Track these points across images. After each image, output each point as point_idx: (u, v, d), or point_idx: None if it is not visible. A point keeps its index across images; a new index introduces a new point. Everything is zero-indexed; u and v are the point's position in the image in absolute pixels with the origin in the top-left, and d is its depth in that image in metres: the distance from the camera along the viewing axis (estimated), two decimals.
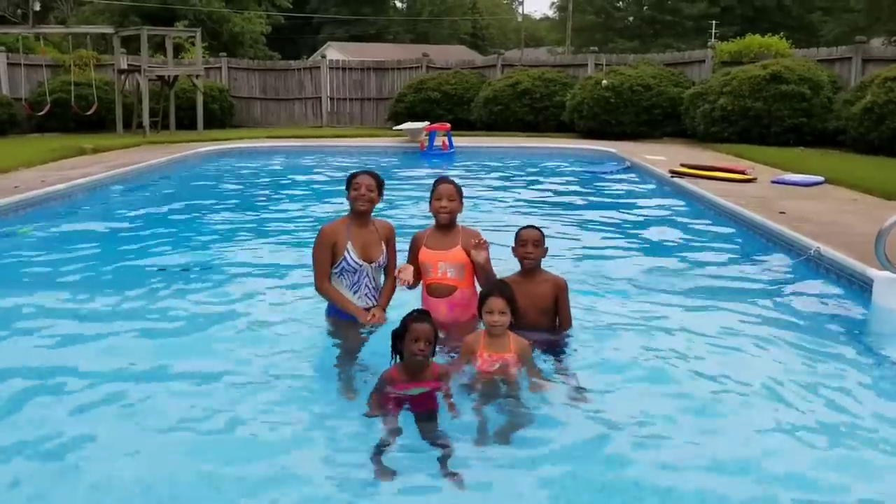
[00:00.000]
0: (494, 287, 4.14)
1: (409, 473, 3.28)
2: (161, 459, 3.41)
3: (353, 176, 4.77)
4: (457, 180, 4.85)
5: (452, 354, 4.33)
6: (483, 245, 4.55)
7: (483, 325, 4.12)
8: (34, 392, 4.12)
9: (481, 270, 4.59)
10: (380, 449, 3.42)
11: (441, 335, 4.43)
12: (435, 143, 16.73)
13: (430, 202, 4.77)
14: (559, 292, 4.59)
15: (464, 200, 4.80)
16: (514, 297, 4.10)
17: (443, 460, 3.33)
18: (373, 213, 4.86)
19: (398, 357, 3.85)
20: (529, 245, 4.52)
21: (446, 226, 4.72)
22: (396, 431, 3.58)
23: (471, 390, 3.92)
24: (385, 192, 4.87)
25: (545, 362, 4.36)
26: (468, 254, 4.62)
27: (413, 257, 4.80)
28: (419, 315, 3.83)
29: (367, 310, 4.76)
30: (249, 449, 3.52)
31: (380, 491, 3.18)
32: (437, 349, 3.93)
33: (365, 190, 4.69)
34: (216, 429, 3.71)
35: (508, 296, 4.05)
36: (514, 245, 4.61)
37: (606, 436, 3.62)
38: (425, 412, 3.71)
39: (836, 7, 39.98)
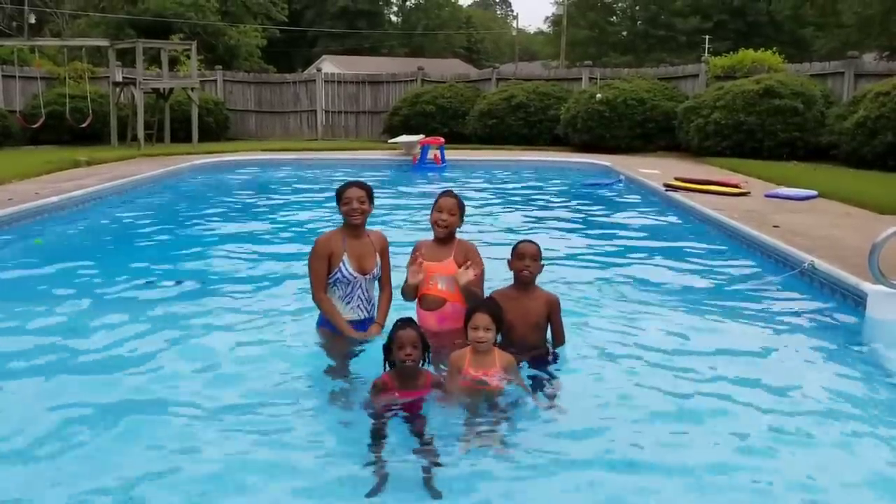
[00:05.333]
0: (481, 303, 4.13)
1: (402, 480, 3.29)
2: (153, 469, 3.39)
3: (343, 189, 4.74)
4: None
5: (441, 365, 4.32)
6: (470, 268, 4.48)
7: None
8: (25, 403, 4.11)
9: (464, 291, 4.53)
10: (373, 456, 3.45)
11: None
12: (427, 157, 16.78)
13: (431, 214, 4.76)
14: (552, 309, 4.58)
15: (464, 216, 4.78)
16: (501, 313, 4.09)
17: (427, 470, 3.35)
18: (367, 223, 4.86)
19: (391, 368, 3.91)
20: (528, 259, 4.50)
21: (443, 239, 4.72)
22: (388, 440, 3.59)
23: (458, 405, 3.91)
24: (376, 202, 4.87)
25: (535, 378, 4.33)
26: (460, 267, 4.61)
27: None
28: (403, 323, 3.91)
29: (361, 322, 4.77)
30: (242, 457, 3.51)
31: (372, 499, 3.18)
32: (428, 356, 3.95)
33: (357, 203, 4.69)
34: (207, 439, 3.70)
35: (494, 312, 4.03)
36: (510, 258, 4.60)
37: (587, 455, 3.60)
38: (416, 420, 3.74)
39: (829, 23, 40.28)
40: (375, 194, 4.86)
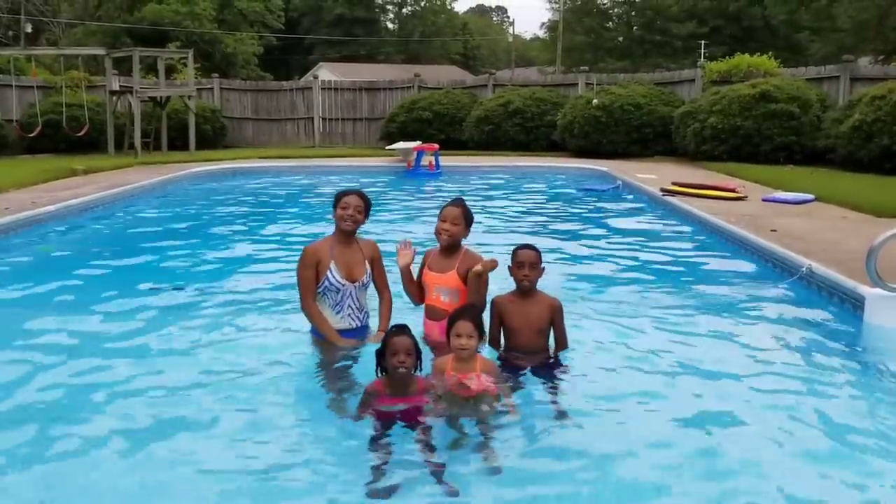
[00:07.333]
0: (462, 311, 4.13)
1: (401, 489, 3.28)
2: (150, 480, 3.37)
3: (342, 195, 4.77)
4: (442, 198, 4.85)
5: None
6: (485, 267, 4.49)
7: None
8: (22, 408, 4.09)
9: (473, 287, 4.53)
10: (374, 467, 3.42)
11: (433, 355, 4.44)
12: (422, 163, 16.82)
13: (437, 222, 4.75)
14: (554, 313, 4.59)
15: (471, 227, 4.75)
16: (482, 321, 4.11)
17: (436, 475, 3.34)
18: (359, 233, 4.87)
19: (383, 374, 3.90)
20: (527, 266, 4.50)
21: (448, 249, 4.71)
22: (387, 447, 3.58)
23: (442, 409, 3.91)
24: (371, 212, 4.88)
25: (538, 383, 4.35)
26: (463, 280, 4.60)
27: (419, 274, 4.82)
28: (398, 329, 3.89)
29: (353, 330, 4.76)
30: (236, 464, 3.50)
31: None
32: (420, 363, 3.93)
33: (353, 210, 4.70)
34: (201, 446, 3.69)
35: (476, 320, 4.05)
36: (510, 265, 4.60)
37: (590, 459, 3.59)
38: (413, 427, 3.73)
39: (824, 27, 40.35)
40: (371, 200, 4.87)
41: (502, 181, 15.58)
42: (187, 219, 11.28)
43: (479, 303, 4.49)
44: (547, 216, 11.13)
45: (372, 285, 4.93)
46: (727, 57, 21.24)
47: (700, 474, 3.47)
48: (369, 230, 6.66)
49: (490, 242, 8.17)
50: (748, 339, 5.31)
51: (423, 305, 4.84)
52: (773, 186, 12.48)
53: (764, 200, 11.14)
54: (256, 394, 4.30)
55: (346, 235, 4.76)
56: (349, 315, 4.78)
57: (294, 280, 4.83)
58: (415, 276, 4.82)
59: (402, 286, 4.85)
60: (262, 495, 3.28)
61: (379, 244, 5.08)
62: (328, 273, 4.67)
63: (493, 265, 4.51)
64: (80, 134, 19.59)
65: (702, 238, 9.19)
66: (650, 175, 14.43)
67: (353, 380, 4.35)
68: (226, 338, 5.32)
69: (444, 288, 4.65)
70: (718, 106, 17.07)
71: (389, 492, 3.24)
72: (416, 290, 4.81)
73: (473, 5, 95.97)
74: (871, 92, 15.13)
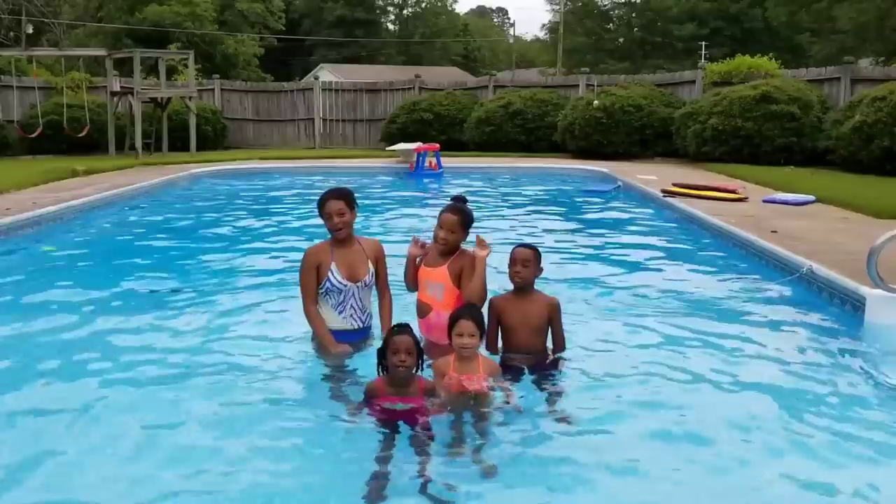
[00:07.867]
0: (464, 309, 4.13)
1: (396, 486, 3.28)
2: (146, 481, 3.37)
3: (322, 203, 4.71)
4: (445, 199, 4.84)
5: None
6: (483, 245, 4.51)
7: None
8: (21, 414, 4.09)
9: (471, 270, 4.50)
10: (373, 466, 3.42)
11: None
12: (424, 164, 16.84)
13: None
14: (552, 312, 4.58)
15: (469, 229, 4.72)
16: (482, 319, 4.11)
17: (424, 480, 3.33)
18: (363, 234, 4.86)
19: (384, 372, 3.90)
20: (518, 263, 4.51)
21: (445, 253, 4.71)
22: (385, 448, 3.58)
23: (445, 411, 3.90)
24: (374, 209, 4.86)
25: (535, 383, 4.35)
26: (454, 277, 4.57)
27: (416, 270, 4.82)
28: (399, 328, 3.89)
29: (355, 331, 4.76)
30: (238, 469, 3.48)
31: None
32: (422, 363, 3.93)
33: (337, 217, 4.66)
34: (200, 447, 3.68)
35: (477, 318, 4.05)
36: (508, 264, 4.61)
37: (589, 460, 3.58)
38: (412, 427, 3.73)
39: (825, 29, 40.35)
40: (373, 201, 4.86)
41: (503, 182, 15.58)
42: (188, 220, 11.28)
43: (476, 289, 4.47)
44: (547, 217, 11.13)
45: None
46: (728, 58, 21.25)
47: (700, 474, 3.47)
48: (372, 231, 6.67)
49: (490, 243, 8.19)
50: (749, 341, 5.30)
51: (415, 306, 4.83)
52: (773, 188, 12.48)
53: (765, 202, 11.13)
54: (256, 395, 4.30)
55: (344, 238, 4.76)
56: (351, 316, 4.77)
57: (295, 281, 4.83)
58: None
59: (403, 273, 4.85)
60: (261, 497, 3.27)
61: (385, 244, 5.06)
62: (329, 274, 4.67)
63: (484, 248, 4.51)
64: (80, 135, 19.60)
65: (702, 239, 9.19)
66: (651, 176, 14.42)
67: (354, 380, 4.36)
68: (226, 339, 5.31)
69: (431, 282, 4.63)
70: (719, 107, 17.06)
71: (386, 494, 3.24)
72: (414, 279, 4.79)
73: (474, 7, 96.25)
74: (872, 93, 15.12)
